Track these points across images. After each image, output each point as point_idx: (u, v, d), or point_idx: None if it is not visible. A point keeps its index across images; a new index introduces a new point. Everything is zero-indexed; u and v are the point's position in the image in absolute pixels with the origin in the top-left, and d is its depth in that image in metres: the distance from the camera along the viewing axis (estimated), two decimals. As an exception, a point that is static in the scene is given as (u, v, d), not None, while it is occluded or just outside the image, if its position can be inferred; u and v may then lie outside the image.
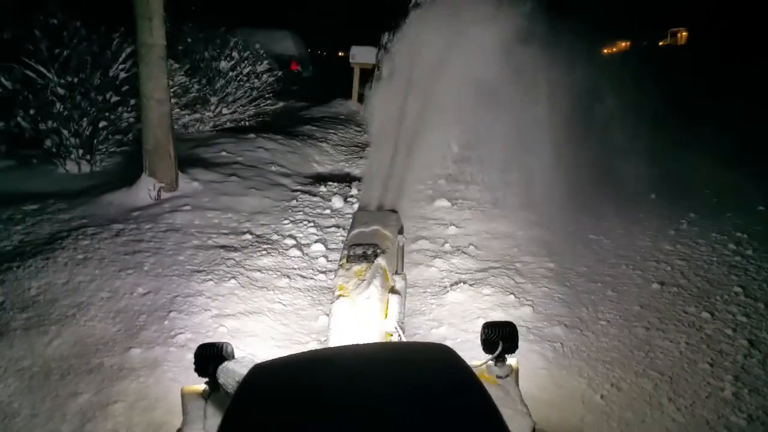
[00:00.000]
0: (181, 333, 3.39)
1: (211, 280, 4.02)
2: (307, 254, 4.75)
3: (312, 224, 5.38)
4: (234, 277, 4.10)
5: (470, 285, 4.17)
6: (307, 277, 4.32)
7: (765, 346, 3.41)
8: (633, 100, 8.47)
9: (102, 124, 6.57)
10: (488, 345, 1.86)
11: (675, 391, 3.03)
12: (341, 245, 5.08)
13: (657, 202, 6.23)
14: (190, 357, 3.20)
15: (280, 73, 11.38)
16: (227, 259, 4.37)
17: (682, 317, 3.75)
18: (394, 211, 3.39)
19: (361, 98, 12.20)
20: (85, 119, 6.49)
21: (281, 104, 11.48)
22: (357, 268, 2.36)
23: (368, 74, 11.26)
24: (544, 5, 5.59)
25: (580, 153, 7.06)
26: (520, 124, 5.65)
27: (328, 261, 4.65)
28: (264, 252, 4.61)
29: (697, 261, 4.70)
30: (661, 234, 5.33)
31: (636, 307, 3.90)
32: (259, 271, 4.29)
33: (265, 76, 10.25)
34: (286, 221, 5.39)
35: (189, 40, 9.18)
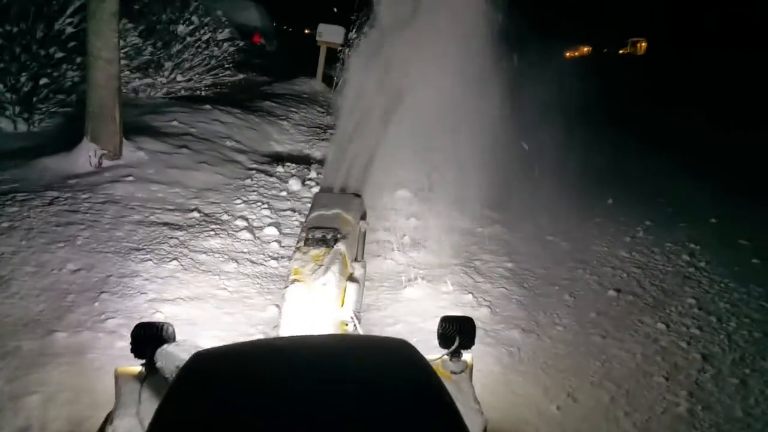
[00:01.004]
0: (112, 317, 3.10)
1: (150, 260, 3.71)
2: (258, 238, 4.48)
3: (266, 206, 5.11)
4: (176, 258, 3.81)
5: (428, 281, 4.01)
6: (257, 263, 4.07)
7: (717, 362, 3.40)
8: (590, 105, 8.54)
9: (43, 81, 6.06)
10: (445, 339, 1.80)
11: (631, 405, 2.96)
12: (297, 230, 4.85)
13: (614, 208, 6.25)
14: (121, 344, 2.95)
15: (242, 44, 10.90)
16: (170, 237, 4.07)
17: (638, 327, 3.71)
18: (357, 195, 3.23)
19: (326, 78, 11.86)
20: (24, 74, 5.97)
21: (242, 76, 11.01)
22: (315, 252, 2.26)
23: (335, 53, 10.93)
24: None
25: (538, 155, 7.08)
26: (483, 122, 5.66)
27: (281, 246, 4.40)
28: (212, 233, 4.32)
29: (652, 270, 4.69)
30: (618, 240, 5.32)
31: (592, 313, 3.83)
32: (204, 253, 4.00)
33: (225, 44, 9.79)
34: (239, 201, 5.10)
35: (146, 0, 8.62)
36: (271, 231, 4.60)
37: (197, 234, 4.24)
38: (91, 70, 5.28)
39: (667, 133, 11.67)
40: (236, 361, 1.32)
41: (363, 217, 2.88)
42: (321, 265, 2.18)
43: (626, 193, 6.68)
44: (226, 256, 4.05)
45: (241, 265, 3.99)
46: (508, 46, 5.89)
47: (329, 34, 11.27)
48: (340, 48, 11.15)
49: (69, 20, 6.43)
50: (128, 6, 8.06)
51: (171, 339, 1.72)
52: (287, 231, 4.74)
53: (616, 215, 6.02)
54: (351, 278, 2.25)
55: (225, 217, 4.70)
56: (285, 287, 2.12)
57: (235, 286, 3.71)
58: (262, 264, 4.07)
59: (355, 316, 2.11)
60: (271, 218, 4.89)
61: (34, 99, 6.11)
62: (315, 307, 2.05)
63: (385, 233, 4.82)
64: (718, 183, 7.46)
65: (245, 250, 4.23)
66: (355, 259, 2.49)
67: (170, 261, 3.75)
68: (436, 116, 5.64)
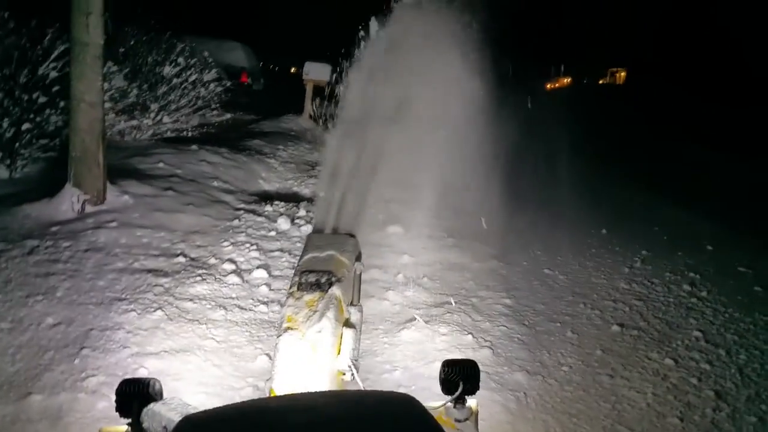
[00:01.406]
0: (93, 375, 2.91)
1: (134, 310, 3.54)
2: (247, 281, 4.32)
3: (255, 247, 4.95)
4: (161, 308, 3.63)
5: (425, 322, 3.86)
6: (245, 309, 3.90)
7: (732, 399, 3.26)
8: (575, 137, 8.61)
9: (25, 126, 5.94)
10: (447, 385, 1.68)
11: (646, 451, 2.80)
12: (287, 272, 4.69)
13: (609, 238, 6.18)
14: (102, 405, 2.75)
15: (228, 84, 10.92)
16: (155, 285, 3.90)
17: (646, 364, 3.57)
18: (351, 236, 3.09)
19: (312, 115, 11.86)
20: (5, 120, 5.86)
21: (229, 116, 11.00)
22: (308, 297, 2.14)
23: (321, 91, 10.96)
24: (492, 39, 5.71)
25: (529, 186, 7.08)
26: (471, 155, 5.61)
27: (270, 290, 4.23)
28: (198, 278, 4.15)
29: (654, 302, 4.58)
30: (616, 271, 5.22)
31: (598, 351, 3.69)
32: (191, 300, 3.83)
33: (212, 85, 9.78)
34: (226, 243, 4.94)
35: (132, 42, 8.62)
36: (261, 274, 4.44)
37: (183, 280, 4.07)
38: (74, 114, 5.17)
39: (654, 160, 11.80)
40: (228, 425, 1.23)
41: (358, 258, 2.78)
42: (315, 311, 2.06)
43: (618, 222, 6.63)
44: (213, 303, 3.87)
45: (229, 311, 3.81)
46: (492, 82, 5.90)
47: (315, 72, 11.30)
48: (327, 85, 11.22)
49: (53, 64, 6.38)
50: (114, 49, 8.05)
51: (158, 396, 1.62)
52: (277, 273, 4.58)
53: (612, 245, 5.94)
54: (347, 324, 2.13)
55: (212, 260, 4.54)
56: (278, 336, 2.00)
57: (223, 335, 3.53)
58: (251, 309, 3.89)
59: (353, 364, 1.99)
60: (260, 260, 4.73)
61: (17, 145, 5.98)
62: (310, 356, 1.93)
63: (378, 272, 4.68)
64: (710, 209, 7.44)
65: (233, 296, 4.06)
66: (351, 303, 2.37)
67: (154, 311, 3.58)
68: (422, 151, 5.62)
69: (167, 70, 8.60)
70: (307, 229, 5.58)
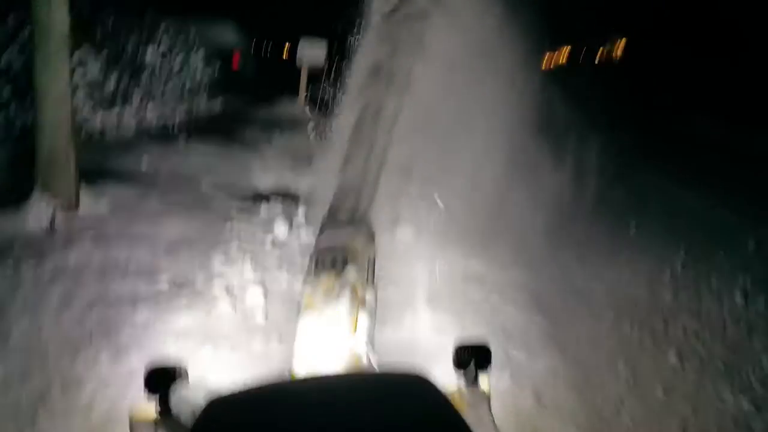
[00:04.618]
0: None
1: (103, 357, 2.94)
2: (239, 308, 3.71)
3: (248, 259, 4.35)
4: (137, 350, 3.03)
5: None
6: (237, 347, 3.28)
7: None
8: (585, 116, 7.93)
9: (-13, 124, 5.29)
10: (461, 367, 1.81)
11: None
12: (285, 291, 4.09)
13: (640, 238, 5.59)
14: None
15: (218, 65, 10.18)
16: (131, 320, 3.29)
17: (720, 408, 3.00)
18: (365, 219, 3.19)
19: (307, 100, 11.14)
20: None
21: (219, 102, 10.28)
22: (325, 278, 2.26)
23: (318, 73, 10.25)
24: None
25: (542, 178, 6.39)
26: (479, 143, 5.18)
27: (266, 319, 3.62)
28: (182, 306, 3.54)
29: (707, 318, 4.01)
30: (657, 280, 4.65)
31: (659, 392, 3.12)
32: (174, 337, 3.23)
33: (201, 68, 9.07)
34: (216, 255, 4.33)
35: (111, 23, 7.86)
36: (255, 296, 3.84)
37: (164, 310, 3.46)
38: (41, 110, 4.54)
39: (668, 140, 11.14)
40: (253, 408, 1.31)
41: (372, 240, 2.85)
42: (332, 291, 2.17)
43: (643, 216, 6.04)
44: (199, 338, 3.26)
45: (217, 349, 3.21)
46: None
47: (310, 54, 10.53)
48: (322, 69, 10.43)
49: (20, 52, 5.69)
50: (89, 33, 7.33)
51: (185, 378, 1.73)
52: (275, 290, 3.97)
53: (644, 247, 5.35)
54: (362, 303, 2.22)
55: (199, 280, 3.93)
56: (298, 314, 2.12)
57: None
58: (243, 348, 3.28)
59: (369, 342, 2.08)
60: (254, 277, 4.12)
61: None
62: (328, 335, 2.04)
63: (392, 289, 4.08)
64: (743, 197, 6.85)
65: (224, 327, 3.45)
66: (366, 283, 2.42)
67: (129, 355, 2.98)
68: (426, 144, 5.06)
69: (150, 54, 7.87)
70: (306, 232, 4.98)
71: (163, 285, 3.74)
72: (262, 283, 4.02)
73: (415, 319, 3.70)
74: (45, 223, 4.40)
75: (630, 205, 6.50)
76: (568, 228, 5.51)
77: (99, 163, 5.80)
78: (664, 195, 7.18)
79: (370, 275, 2.65)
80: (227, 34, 15.62)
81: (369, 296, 2.33)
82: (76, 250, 4.02)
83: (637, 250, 5.26)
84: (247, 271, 4.16)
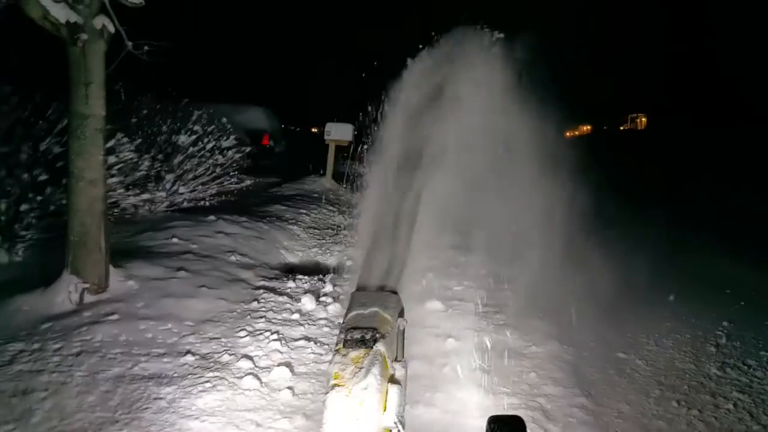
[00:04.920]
0: None
1: (125, 437, 2.85)
2: (266, 384, 3.61)
3: (275, 336, 4.27)
4: (160, 427, 2.94)
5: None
6: (263, 425, 3.17)
7: None
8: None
9: (24, 207, 5.47)
10: None
11: None
12: (313, 367, 3.99)
13: (678, 307, 5.37)
14: None
15: (248, 149, 10.54)
16: (155, 398, 3.22)
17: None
18: (394, 292, 3.09)
19: (335, 175, 11.42)
20: (4, 200, 5.39)
21: (249, 181, 10.56)
22: (354, 354, 2.21)
23: (344, 151, 10.54)
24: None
25: (574, 247, 6.26)
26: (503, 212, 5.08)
27: (294, 395, 3.51)
28: (207, 384, 3.46)
29: (759, 394, 3.74)
30: (701, 352, 4.41)
31: (715, 477, 2.87)
32: (197, 418, 3.12)
33: (231, 151, 9.38)
34: (243, 333, 4.28)
35: (144, 111, 8.29)
36: (282, 373, 3.74)
37: (189, 388, 3.38)
38: (72, 193, 4.66)
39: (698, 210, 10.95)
40: None
41: (401, 314, 2.80)
42: (361, 368, 2.12)
43: (680, 283, 5.82)
44: (223, 419, 3.16)
45: (242, 431, 3.09)
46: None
47: (337, 132, 10.92)
48: (349, 144, 10.81)
49: (56, 139, 5.98)
50: (125, 119, 7.71)
51: None
52: (301, 370, 3.87)
53: (685, 315, 5.13)
54: (392, 380, 2.18)
55: (225, 357, 3.86)
56: (326, 393, 2.06)
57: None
58: (270, 427, 3.16)
59: (399, 420, 2.05)
60: (281, 353, 4.04)
61: (16, 226, 5.50)
62: (357, 413, 1.99)
63: (420, 364, 3.95)
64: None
65: (249, 406, 3.35)
66: (396, 359, 2.39)
67: (151, 436, 2.88)
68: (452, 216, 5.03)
69: (183, 138, 8.19)
70: (335, 308, 4.93)
71: (189, 361, 3.67)
72: (289, 361, 3.93)
73: (445, 395, 3.54)
74: (74, 302, 4.43)
75: (666, 274, 6.30)
76: (604, 298, 5.33)
77: (129, 243, 5.91)
78: (705, 266, 6.94)
79: (399, 351, 2.62)
80: (258, 119, 16.35)
81: (399, 373, 2.29)
82: (102, 329, 4.00)
83: (679, 321, 5.05)
84: (274, 345, 4.08)
